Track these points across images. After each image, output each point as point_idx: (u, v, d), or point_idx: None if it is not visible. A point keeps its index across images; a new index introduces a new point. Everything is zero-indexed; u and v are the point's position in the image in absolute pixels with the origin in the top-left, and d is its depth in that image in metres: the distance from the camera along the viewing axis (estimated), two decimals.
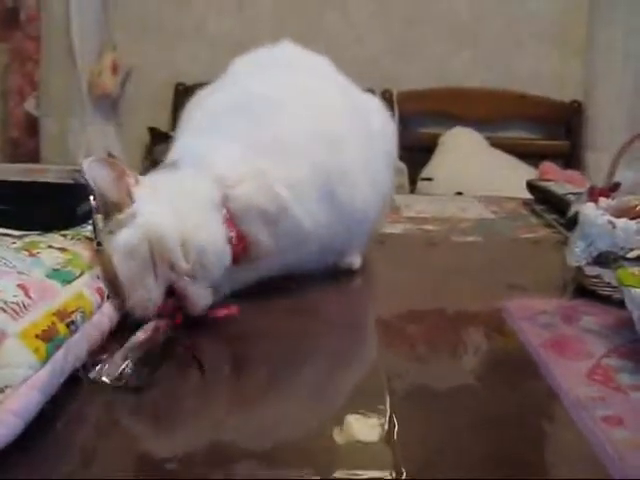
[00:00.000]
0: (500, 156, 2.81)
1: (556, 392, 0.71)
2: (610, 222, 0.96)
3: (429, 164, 2.80)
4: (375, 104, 1.09)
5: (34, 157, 2.90)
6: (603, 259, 0.89)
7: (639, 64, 2.84)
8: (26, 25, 2.90)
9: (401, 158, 3.00)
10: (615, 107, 2.83)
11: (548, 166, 2.58)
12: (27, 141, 2.97)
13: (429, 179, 2.72)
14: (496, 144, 2.86)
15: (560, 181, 1.70)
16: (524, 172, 2.55)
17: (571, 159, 2.89)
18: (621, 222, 0.95)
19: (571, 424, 0.65)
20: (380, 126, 1.05)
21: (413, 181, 2.80)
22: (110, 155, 2.86)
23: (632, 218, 0.98)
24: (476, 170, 2.66)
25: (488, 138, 2.90)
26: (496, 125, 2.94)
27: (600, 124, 2.84)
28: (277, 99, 0.92)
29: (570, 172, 2.59)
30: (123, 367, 0.68)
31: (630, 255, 0.88)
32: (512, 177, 1.75)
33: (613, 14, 2.82)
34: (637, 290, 0.77)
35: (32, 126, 2.94)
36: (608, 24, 2.83)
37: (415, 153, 2.85)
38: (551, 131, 3.01)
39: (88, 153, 2.84)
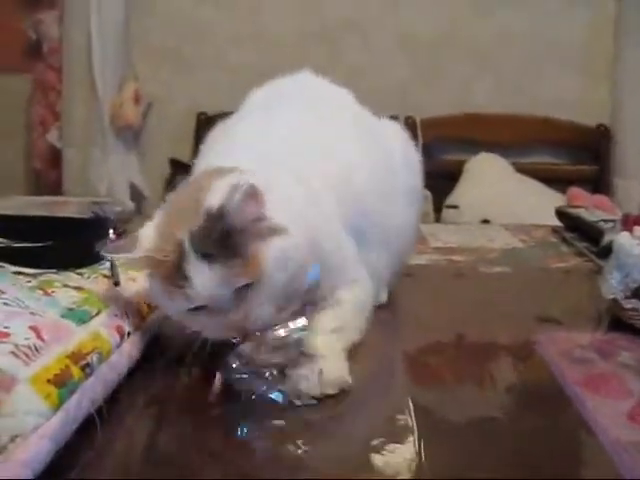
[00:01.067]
0: (526, 182, 2.77)
1: (594, 432, 0.68)
2: None
3: (454, 191, 2.76)
4: (397, 134, 1.06)
5: (57, 188, 2.90)
6: None
7: None
8: (48, 56, 2.91)
9: (426, 185, 2.96)
10: None
11: (576, 191, 2.53)
12: (50, 172, 2.98)
13: (454, 206, 2.68)
14: (522, 170, 2.82)
15: (589, 207, 1.65)
16: (551, 198, 2.51)
17: (599, 184, 2.83)
18: None
19: (610, 466, 0.61)
20: (402, 158, 1.02)
21: (438, 209, 2.76)
22: (132, 186, 2.87)
23: None
24: (502, 197, 2.62)
25: (514, 164, 2.85)
26: (521, 150, 2.90)
27: (628, 148, 2.79)
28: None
29: (598, 197, 2.54)
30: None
31: None
32: (539, 203, 1.72)
33: (639, 37, 2.78)
34: None
35: (55, 157, 2.95)
36: (635, 46, 2.79)
37: (440, 180, 2.81)
38: (578, 156, 2.96)
39: (110, 184, 2.85)
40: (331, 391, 0.74)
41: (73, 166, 2.90)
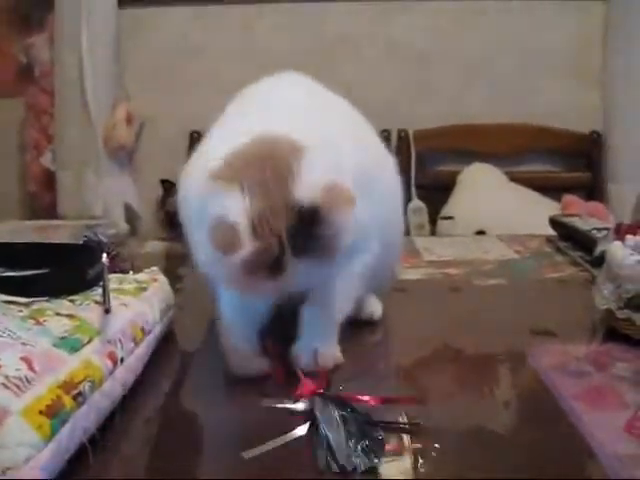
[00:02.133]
0: (521, 191, 2.77)
1: (590, 446, 0.67)
2: (639, 262, 0.92)
3: (448, 202, 2.76)
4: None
5: (52, 210, 2.89)
6: (636, 301, 0.85)
7: None
8: (40, 80, 2.90)
9: (420, 197, 3.00)
10: (635, 137, 2.78)
11: (570, 199, 2.53)
12: (44, 195, 2.97)
13: (449, 218, 2.68)
14: (516, 179, 2.82)
15: (583, 214, 1.65)
16: (546, 206, 2.51)
17: (593, 190, 2.84)
18: None
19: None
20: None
21: (433, 220, 2.77)
22: (127, 207, 2.87)
23: None
24: (497, 206, 2.62)
25: (507, 173, 2.85)
26: (515, 160, 2.90)
27: (621, 154, 2.79)
28: None
29: (593, 204, 2.54)
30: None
31: None
32: (534, 212, 1.72)
33: (629, 43, 2.78)
34: None
35: (49, 180, 2.93)
36: (624, 53, 2.79)
37: (434, 192, 2.83)
38: (572, 163, 2.96)
39: (105, 206, 2.85)
40: (328, 366, 0.85)
41: (67, 188, 2.89)
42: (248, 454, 0.65)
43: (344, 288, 0.89)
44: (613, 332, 0.96)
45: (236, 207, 0.73)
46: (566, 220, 1.55)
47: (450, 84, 2.94)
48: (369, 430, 0.67)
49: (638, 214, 1.06)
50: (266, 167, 0.74)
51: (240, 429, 0.74)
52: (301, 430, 0.69)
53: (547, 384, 0.82)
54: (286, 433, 0.69)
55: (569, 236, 1.50)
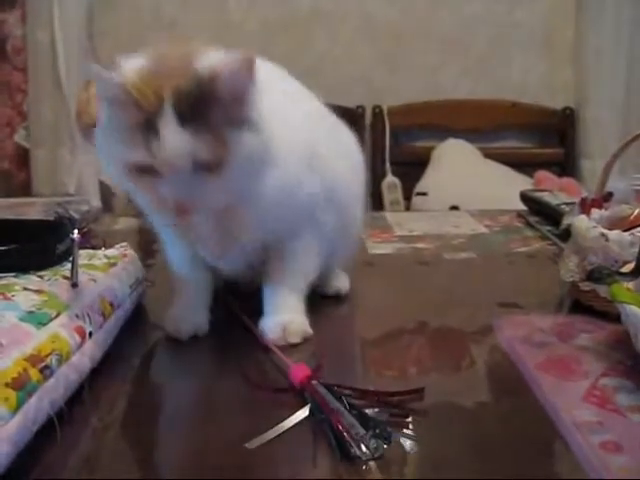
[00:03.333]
0: (494, 167, 2.79)
1: (551, 415, 0.69)
2: (603, 235, 0.94)
3: (423, 178, 2.78)
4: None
5: (26, 188, 2.90)
6: (597, 274, 0.86)
7: (629, 68, 2.84)
8: (13, 57, 2.90)
9: (394, 173, 3.02)
10: (608, 112, 2.83)
11: (543, 175, 2.56)
12: (19, 173, 2.97)
13: (423, 194, 2.70)
14: (490, 155, 2.84)
15: (555, 190, 1.67)
16: (519, 182, 2.53)
17: (566, 166, 2.88)
18: (614, 234, 0.93)
19: (566, 450, 0.63)
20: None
21: (408, 196, 2.79)
22: (102, 184, 2.86)
23: (626, 229, 0.96)
24: (471, 182, 2.64)
25: (481, 149, 2.88)
26: (489, 135, 2.93)
27: (593, 130, 2.83)
28: None
29: (566, 180, 2.57)
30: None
31: (624, 269, 0.85)
32: (507, 188, 1.75)
33: (600, 19, 2.81)
34: (632, 307, 0.75)
35: (23, 157, 2.94)
36: (596, 30, 2.83)
37: (408, 167, 2.85)
38: (545, 139, 3.00)
39: (79, 183, 2.84)
40: (296, 340, 0.86)
41: (42, 166, 2.89)
42: (252, 444, 0.63)
43: (303, 262, 0.91)
44: (578, 304, 0.97)
45: (127, 69, 0.74)
46: (536, 195, 1.57)
47: (424, 60, 2.95)
48: (372, 415, 0.67)
49: (603, 188, 1.07)
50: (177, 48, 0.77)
51: (209, 402, 0.75)
52: (301, 414, 0.68)
53: (512, 355, 0.84)
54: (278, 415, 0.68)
55: (539, 211, 1.52)
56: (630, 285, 0.82)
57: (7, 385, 0.58)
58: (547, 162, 2.84)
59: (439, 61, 2.96)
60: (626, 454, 0.62)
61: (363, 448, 0.61)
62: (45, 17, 2.80)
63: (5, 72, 2.92)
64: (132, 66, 0.75)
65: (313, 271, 0.93)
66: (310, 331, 0.88)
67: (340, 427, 0.63)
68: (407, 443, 0.64)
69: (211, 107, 0.72)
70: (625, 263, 0.89)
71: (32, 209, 1.47)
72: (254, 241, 0.86)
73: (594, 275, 0.87)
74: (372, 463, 0.60)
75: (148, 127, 0.71)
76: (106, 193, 2.85)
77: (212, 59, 0.74)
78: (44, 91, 2.84)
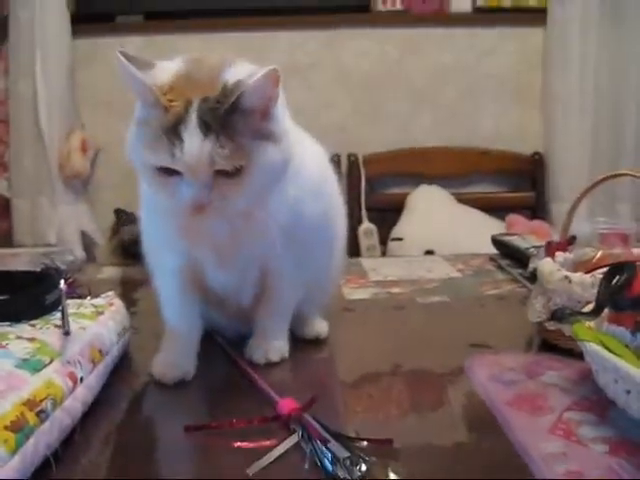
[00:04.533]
0: (467, 211, 2.84)
1: (517, 449, 0.73)
2: (566, 277, 0.98)
3: (398, 224, 2.82)
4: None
5: (7, 238, 2.90)
6: (559, 314, 0.91)
7: (595, 115, 2.92)
8: None
9: (371, 219, 3.05)
10: (575, 157, 2.90)
11: (514, 218, 2.62)
12: (0, 222, 2.98)
13: (399, 239, 2.74)
14: (463, 200, 2.90)
15: (526, 233, 1.72)
16: (492, 225, 2.59)
17: (537, 209, 2.94)
18: (576, 277, 0.98)
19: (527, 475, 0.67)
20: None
21: (383, 242, 2.83)
22: (83, 234, 2.88)
23: (588, 271, 1.01)
24: (445, 227, 2.69)
25: (454, 194, 2.93)
26: (461, 181, 2.99)
27: (562, 174, 2.89)
28: None
29: (537, 223, 2.62)
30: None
31: (585, 309, 0.90)
32: (481, 231, 1.79)
33: (566, 69, 2.89)
34: (592, 345, 0.79)
35: (4, 207, 2.95)
36: (562, 78, 2.91)
37: (384, 214, 2.90)
38: (516, 183, 3.06)
39: (60, 233, 2.86)
40: (275, 359, 0.96)
41: (23, 216, 2.91)
42: (252, 469, 0.68)
43: (287, 295, 0.99)
44: (545, 343, 1.02)
45: (160, 73, 0.80)
46: (506, 239, 1.62)
47: (397, 110, 3.02)
48: (351, 443, 0.72)
49: (567, 231, 1.12)
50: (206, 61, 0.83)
51: (192, 447, 0.77)
52: (290, 442, 0.73)
53: (482, 393, 0.88)
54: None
55: (509, 254, 1.57)
56: (591, 324, 0.86)
57: (6, 428, 0.62)
58: (518, 206, 2.89)
59: (412, 110, 3.02)
60: None
61: (345, 470, 0.67)
62: (27, 70, 2.83)
63: None
64: (165, 70, 0.81)
65: (294, 303, 1.01)
66: (287, 352, 0.98)
67: (325, 449, 0.69)
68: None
69: (235, 117, 0.77)
70: (587, 303, 0.93)
71: (17, 260, 1.50)
72: (261, 247, 0.91)
73: (557, 315, 0.91)
74: None
75: (174, 131, 0.76)
76: (88, 243, 2.88)
77: (240, 71, 0.80)
78: (25, 142, 2.87)
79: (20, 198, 2.92)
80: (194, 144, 0.76)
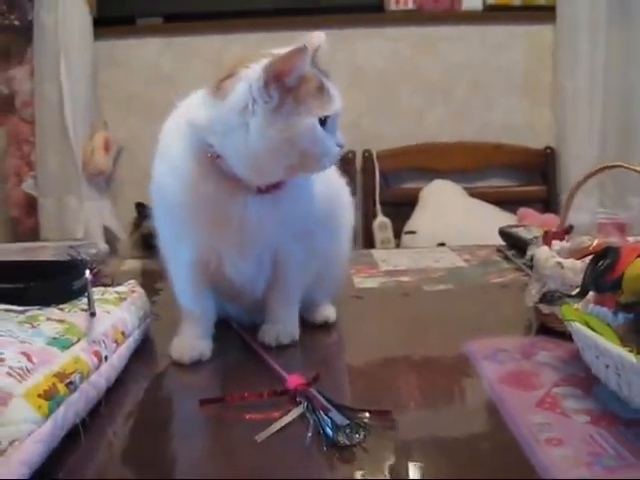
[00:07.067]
0: (479, 205, 2.89)
1: (506, 421, 0.79)
2: (559, 263, 1.04)
3: (412, 218, 2.88)
4: None
5: (34, 234, 2.98)
6: (549, 297, 0.96)
7: (604, 108, 2.96)
8: (21, 110, 3.00)
9: (385, 213, 3.11)
10: (585, 151, 2.94)
11: (525, 212, 2.65)
12: (26, 220, 3.05)
13: (412, 232, 2.79)
14: (475, 194, 2.95)
15: (536, 226, 1.76)
16: (504, 219, 2.61)
17: (548, 203, 2.97)
18: (568, 262, 1.03)
19: (517, 448, 0.73)
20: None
21: (397, 235, 2.89)
22: (106, 230, 2.96)
23: (580, 258, 1.06)
24: (457, 220, 2.74)
25: (467, 188, 2.98)
26: (474, 176, 3.04)
27: (573, 168, 2.92)
28: None
29: (547, 216, 2.64)
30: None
31: (573, 292, 0.95)
32: (492, 225, 1.82)
33: (575, 64, 2.94)
34: (577, 324, 0.84)
35: (31, 205, 3.03)
36: (571, 73, 2.95)
37: (398, 208, 2.96)
38: (527, 178, 3.10)
39: (85, 229, 2.94)
40: (286, 342, 1.03)
41: (49, 213, 2.99)
42: (260, 437, 0.75)
43: (296, 281, 1.06)
44: (543, 327, 1.07)
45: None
46: (512, 230, 1.67)
47: (411, 106, 3.07)
48: (352, 414, 0.79)
49: (565, 221, 1.18)
50: None
51: (207, 420, 0.84)
52: (296, 412, 0.80)
53: (479, 373, 0.94)
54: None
55: (514, 244, 1.62)
56: (579, 306, 0.92)
57: (40, 396, 0.69)
58: (530, 199, 2.93)
59: (425, 106, 3.08)
60: (567, 447, 0.72)
61: (345, 436, 0.74)
62: (52, 72, 2.91)
63: (14, 124, 3.02)
64: None
65: (302, 289, 1.08)
66: (297, 335, 1.05)
67: (327, 418, 0.76)
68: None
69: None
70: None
71: (44, 252, 1.56)
72: (283, 235, 1.00)
73: (547, 298, 0.97)
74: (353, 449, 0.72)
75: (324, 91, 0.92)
76: (111, 237, 2.95)
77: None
78: (51, 142, 2.95)
79: (46, 196, 3.00)
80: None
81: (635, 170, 1.02)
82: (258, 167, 0.89)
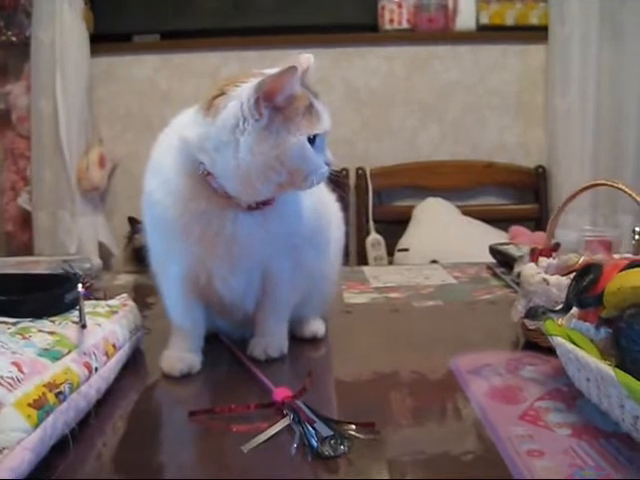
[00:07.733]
0: (472, 223, 2.90)
1: (489, 432, 0.81)
2: (544, 279, 1.05)
3: (404, 235, 2.89)
4: None
5: (28, 249, 2.99)
6: (533, 312, 0.98)
7: (595, 127, 2.98)
8: (17, 125, 3.02)
9: (378, 231, 3.12)
10: (577, 170, 2.95)
11: (517, 230, 2.66)
12: (21, 234, 3.06)
13: (405, 250, 2.80)
14: (468, 212, 2.97)
15: (528, 244, 1.77)
16: (495, 237, 2.60)
17: (540, 221, 2.98)
18: (553, 279, 1.05)
19: (499, 459, 0.74)
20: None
21: (390, 252, 2.89)
22: (100, 245, 2.96)
23: (565, 274, 1.08)
24: (449, 238, 2.75)
25: (459, 207, 3.00)
26: (466, 194, 3.06)
27: (564, 186, 2.93)
28: None
29: (538, 234, 2.64)
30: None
31: (557, 307, 0.97)
32: (484, 243, 1.83)
33: (567, 85, 2.96)
34: (559, 338, 0.86)
35: (25, 220, 3.04)
36: (563, 94, 2.97)
37: (391, 226, 2.97)
38: (519, 196, 3.12)
39: (79, 244, 2.95)
40: (275, 355, 1.04)
41: (43, 228, 2.99)
42: (246, 447, 0.76)
43: (286, 297, 1.07)
44: (528, 342, 1.09)
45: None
46: (502, 248, 1.70)
47: (404, 125, 3.09)
48: (337, 426, 0.80)
49: (551, 238, 1.20)
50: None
51: (195, 431, 0.85)
52: (282, 424, 0.81)
53: (463, 387, 0.95)
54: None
55: (504, 262, 1.64)
56: (563, 321, 0.93)
57: (29, 405, 0.70)
58: (522, 218, 2.95)
59: (418, 125, 3.10)
60: (547, 458, 0.73)
61: (329, 447, 0.75)
62: (48, 88, 2.92)
63: (10, 139, 3.04)
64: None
65: (292, 304, 1.09)
66: (285, 349, 1.07)
67: (312, 429, 0.78)
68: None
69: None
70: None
71: (38, 266, 1.57)
72: (272, 251, 1.01)
73: (531, 313, 0.98)
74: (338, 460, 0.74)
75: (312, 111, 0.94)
76: (105, 252, 2.96)
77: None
78: (46, 157, 2.96)
79: (41, 211, 3.00)
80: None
81: (619, 188, 1.04)
82: (248, 184, 0.90)
